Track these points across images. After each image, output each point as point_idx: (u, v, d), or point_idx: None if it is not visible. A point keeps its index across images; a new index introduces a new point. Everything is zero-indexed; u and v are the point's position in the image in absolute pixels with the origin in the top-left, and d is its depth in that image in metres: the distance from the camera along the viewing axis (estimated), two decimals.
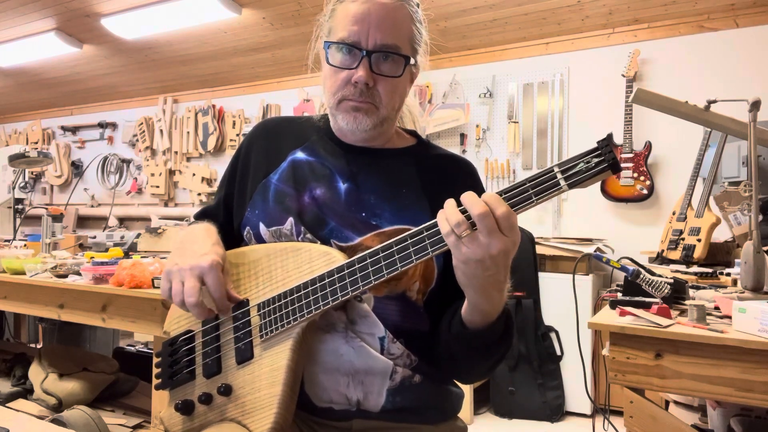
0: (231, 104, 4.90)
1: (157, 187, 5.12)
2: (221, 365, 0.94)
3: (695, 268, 2.25)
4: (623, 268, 1.37)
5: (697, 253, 2.42)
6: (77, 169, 5.75)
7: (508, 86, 3.76)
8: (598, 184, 3.38)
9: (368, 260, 0.83)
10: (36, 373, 2.31)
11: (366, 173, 1.01)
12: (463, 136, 3.88)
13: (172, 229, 2.61)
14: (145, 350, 2.87)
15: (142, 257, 2.08)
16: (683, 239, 2.52)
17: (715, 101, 1.58)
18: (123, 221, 5.26)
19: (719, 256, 2.51)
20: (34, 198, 5.98)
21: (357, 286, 0.84)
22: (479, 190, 0.77)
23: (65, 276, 1.97)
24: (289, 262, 0.93)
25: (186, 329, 1.00)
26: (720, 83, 3.17)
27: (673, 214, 2.69)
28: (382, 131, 1.01)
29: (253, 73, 4.65)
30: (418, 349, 0.96)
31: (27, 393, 2.32)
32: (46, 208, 2.84)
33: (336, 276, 0.86)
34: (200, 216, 1.13)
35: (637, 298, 1.37)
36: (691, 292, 1.43)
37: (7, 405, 2.22)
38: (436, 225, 0.78)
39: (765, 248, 1.39)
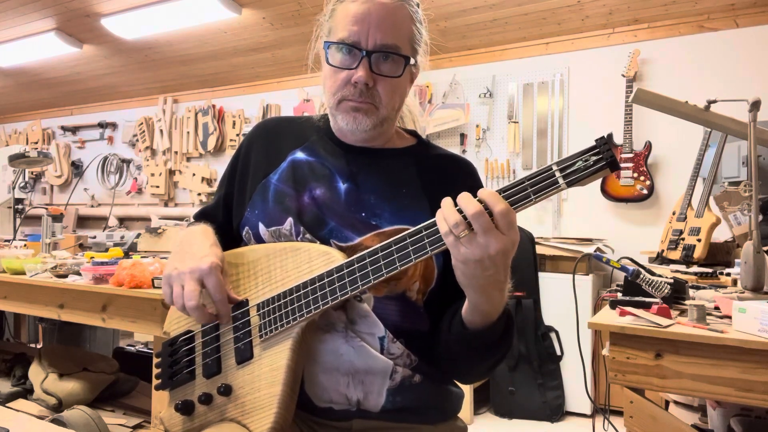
0: (231, 104, 4.90)
1: (157, 187, 5.12)
2: (221, 365, 0.94)
3: (695, 268, 2.25)
4: (623, 268, 1.37)
5: (697, 253, 2.42)
6: (77, 169, 5.75)
7: (508, 86, 3.76)
8: (597, 184, 3.38)
9: (367, 260, 0.83)
10: (36, 373, 2.31)
11: (366, 173, 1.01)
12: (463, 136, 3.88)
13: (172, 229, 2.61)
14: (145, 350, 2.87)
15: (142, 257, 2.08)
16: (683, 239, 2.52)
17: (715, 101, 1.58)
18: (123, 221, 5.26)
19: (719, 256, 2.51)
20: (34, 198, 5.98)
21: (356, 286, 0.84)
22: (480, 189, 0.76)
23: (65, 276, 1.97)
24: (288, 262, 0.93)
25: (186, 329, 1.00)
26: (720, 83, 3.17)
27: (673, 214, 2.69)
28: (382, 131, 1.01)
29: (253, 73, 4.65)
30: (418, 348, 0.96)
31: (27, 393, 2.32)
32: (46, 208, 2.84)
33: (335, 276, 0.86)
34: (199, 216, 1.13)
35: (637, 298, 1.36)
36: (691, 292, 1.43)
37: (7, 405, 2.22)
38: (435, 224, 0.78)
39: (765, 248, 1.39)
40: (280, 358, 0.87)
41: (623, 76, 3.30)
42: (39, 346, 3.03)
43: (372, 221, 0.96)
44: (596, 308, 2.99)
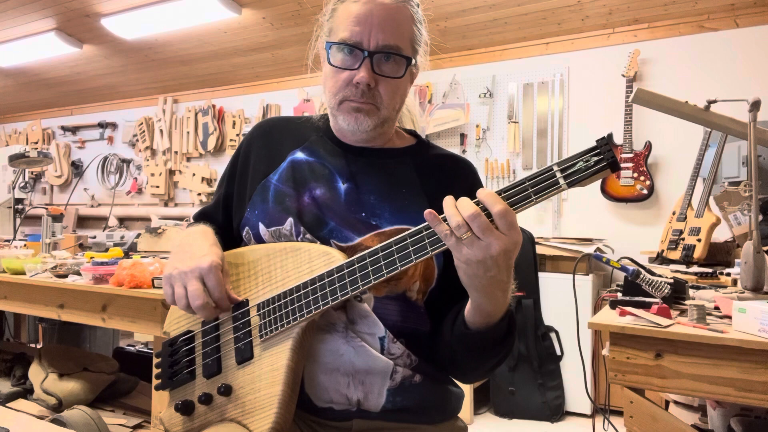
0: (231, 104, 4.90)
1: (157, 187, 5.12)
2: (221, 365, 0.94)
3: (695, 268, 2.25)
4: (623, 268, 1.37)
5: (697, 253, 2.42)
6: (77, 169, 5.75)
7: (508, 86, 3.76)
8: (598, 184, 3.38)
9: (368, 260, 0.83)
10: (36, 373, 2.31)
11: (366, 173, 1.01)
12: (463, 136, 3.88)
13: (172, 229, 2.61)
14: (145, 350, 2.87)
15: (142, 257, 2.08)
16: (683, 239, 2.52)
17: (715, 101, 1.58)
18: (123, 221, 5.26)
19: (719, 256, 2.51)
20: (34, 198, 5.98)
21: (357, 286, 0.84)
22: (479, 189, 0.76)
23: (65, 276, 1.97)
24: (288, 262, 0.93)
25: (186, 330, 1.00)
26: (720, 83, 3.17)
27: (673, 214, 2.69)
28: (383, 131, 1.02)
29: (253, 73, 4.65)
30: (418, 348, 0.96)
31: (27, 393, 2.32)
32: (46, 208, 2.84)
33: (336, 276, 0.86)
34: (199, 217, 1.13)
35: (637, 298, 1.36)
36: (691, 292, 1.43)
37: (7, 405, 2.22)
38: None
39: (765, 248, 1.39)
40: (280, 358, 0.87)
41: (623, 76, 3.30)
42: (39, 346, 3.03)
43: (372, 221, 0.96)
44: (596, 308, 2.99)
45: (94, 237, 2.82)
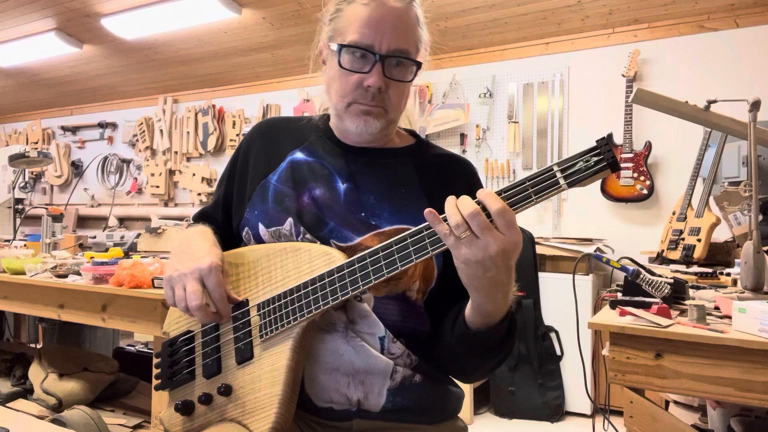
0: (231, 104, 4.90)
1: (157, 187, 5.12)
2: (221, 365, 0.93)
3: (695, 268, 2.25)
4: (623, 268, 1.37)
5: (697, 253, 2.42)
6: (77, 169, 5.75)
7: (508, 86, 3.76)
8: (598, 184, 3.38)
9: (368, 260, 0.83)
10: (36, 373, 2.31)
11: (365, 173, 1.01)
12: (463, 136, 3.88)
13: (172, 229, 2.61)
14: (145, 350, 2.87)
15: (142, 257, 2.08)
16: (683, 239, 2.52)
17: (715, 101, 1.58)
18: (123, 221, 5.26)
19: (719, 256, 2.51)
20: (34, 198, 5.98)
21: (357, 286, 0.84)
22: (479, 190, 0.76)
23: (65, 276, 1.97)
24: (288, 263, 0.93)
25: (186, 330, 1.00)
26: (720, 83, 3.17)
27: (673, 214, 2.69)
28: (387, 133, 1.02)
29: (253, 73, 4.65)
30: (418, 348, 0.96)
31: (27, 393, 2.32)
32: (46, 208, 2.84)
33: (336, 276, 0.86)
34: (198, 217, 1.13)
35: (637, 298, 1.36)
36: (691, 292, 1.43)
37: (7, 405, 2.22)
38: None
39: (765, 248, 1.39)
40: (280, 358, 0.87)
41: (623, 76, 3.30)
42: (39, 346, 3.03)
43: (372, 221, 0.96)
44: (596, 308, 2.99)
45: (94, 237, 2.82)
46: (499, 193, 0.75)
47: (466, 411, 2.94)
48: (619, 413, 1.66)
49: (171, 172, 5.13)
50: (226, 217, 1.10)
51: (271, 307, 0.91)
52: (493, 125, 3.81)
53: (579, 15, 3.35)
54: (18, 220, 3.14)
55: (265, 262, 0.96)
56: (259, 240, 1.00)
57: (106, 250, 2.58)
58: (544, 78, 3.67)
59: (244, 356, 0.91)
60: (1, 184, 3.37)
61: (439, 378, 1.00)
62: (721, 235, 2.65)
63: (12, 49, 4.48)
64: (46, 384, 2.23)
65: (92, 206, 5.51)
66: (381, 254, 0.82)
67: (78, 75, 5.01)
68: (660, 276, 1.41)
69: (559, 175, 0.74)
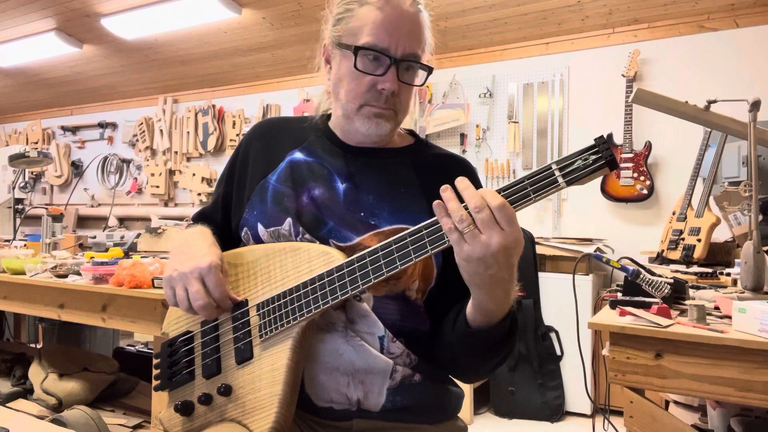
0: (231, 104, 4.90)
1: (157, 187, 5.12)
2: (221, 365, 0.93)
3: (695, 268, 2.25)
4: (623, 268, 1.37)
5: (697, 253, 2.42)
6: (77, 169, 5.75)
7: (508, 86, 3.76)
8: (597, 185, 3.38)
9: (367, 259, 0.83)
10: (36, 373, 2.31)
11: (364, 173, 1.01)
12: (463, 136, 3.88)
13: (172, 229, 2.61)
14: (145, 350, 2.87)
15: (142, 257, 2.08)
16: (683, 239, 2.52)
17: (715, 101, 1.58)
18: (123, 221, 5.26)
19: (719, 256, 2.51)
20: (34, 198, 5.98)
21: (356, 285, 0.84)
22: (478, 189, 0.76)
23: (65, 276, 1.97)
24: (287, 262, 0.93)
25: (185, 330, 1.00)
26: (720, 83, 3.17)
27: (673, 214, 2.69)
28: (392, 135, 1.03)
29: (253, 73, 4.65)
30: (417, 348, 0.96)
31: (27, 393, 2.32)
32: (46, 208, 2.84)
33: (335, 275, 0.86)
34: (197, 218, 1.13)
35: (637, 298, 1.36)
36: (691, 292, 1.43)
37: (7, 405, 2.22)
38: (435, 223, 0.78)
39: (765, 248, 1.39)
40: (280, 358, 0.87)
41: (623, 76, 3.30)
42: (39, 346, 3.04)
43: (371, 221, 0.96)
44: (596, 308, 2.99)
45: (94, 237, 2.82)
46: (498, 192, 0.75)
47: (466, 411, 2.94)
48: (619, 413, 1.66)
49: (171, 172, 5.13)
50: (226, 217, 1.09)
51: (271, 307, 0.91)
52: (493, 125, 3.81)
53: (579, 15, 3.35)
54: (18, 220, 3.14)
55: (264, 262, 0.96)
56: (258, 240, 0.99)
57: (106, 250, 2.58)
58: (544, 78, 3.67)
59: (244, 356, 0.91)
60: (1, 184, 3.38)
61: (439, 377, 1.00)
62: (721, 235, 2.65)
63: (12, 49, 4.48)
64: (46, 384, 2.23)
65: (92, 206, 5.51)
66: (380, 253, 0.82)
67: (78, 75, 5.01)
68: (660, 276, 1.41)
69: (557, 173, 0.74)
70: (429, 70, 0.98)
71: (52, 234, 2.54)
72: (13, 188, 3.14)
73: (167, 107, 5.19)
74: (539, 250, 3.16)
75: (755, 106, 1.41)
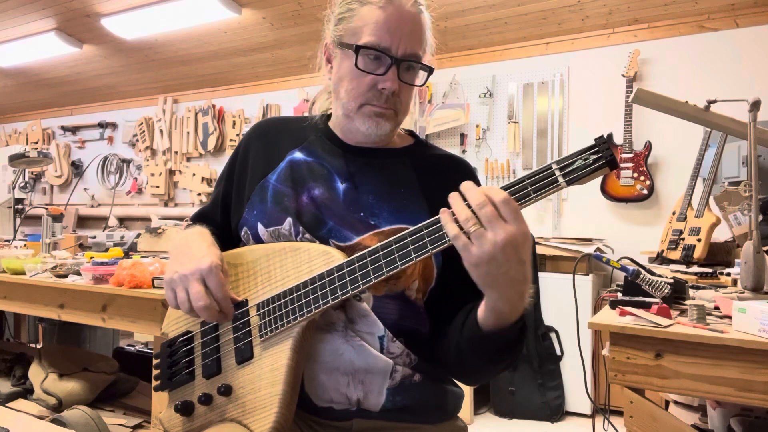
0: (231, 104, 4.90)
1: (157, 187, 5.12)
2: (221, 365, 0.93)
3: (695, 268, 2.25)
4: (623, 268, 1.37)
5: (697, 253, 2.42)
6: (77, 169, 5.75)
7: (508, 86, 3.76)
8: (597, 184, 3.38)
9: (368, 259, 0.83)
10: (36, 373, 2.31)
11: (364, 173, 1.01)
12: (463, 136, 3.88)
13: (172, 229, 2.61)
14: (145, 350, 2.87)
15: (142, 257, 2.08)
16: (683, 239, 2.52)
17: (715, 101, 1.58)
18: (123, 221, 5.26)
19: (719, 256, 2.51)
20: (34, 198, 5.98)
21: (357, 285, 0.84)
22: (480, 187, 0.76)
23: (65, 276, 1.97)
24: (287, 262, 0.93)
25: (185, 330, 1.00)
26: (720, 83, 3.17)
27: (673, 214, 2.69)
28: (392, 135, 1.02)
29: (253, 73, 4.65)
30: (417, 348, 0.96)
31: (27, 393, 2.32)
32: (46, 208, 2.84)
33: (336, 275, 0.86)
34: (197, 218, 1.13)
35: (637, 298, 1.36)
36: (691, 292, 1.43)
37: (7, 405, 2.22)
38: (435, 223, 0.78)
39: (765, 248, 1.39)
40: (280, 358, 0.87)
41: (623, 76, 3.30)
42: (39, 346, 3.04)
43: (370, 221, 0.96)
44: (596, 308, 2.99)
45: (94, 237, 2.82)
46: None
47: (466, 411, 2.94)
48: (619, 413, 1.66)
49: (171, 172, 5.13)
50: (225, 217, 1.09)
51: (271, 306, 0.91)
52: (493, 125, 3.81)
53: (579, 15, 3.35)
54: (18, 220, 3.14)
55: (265, 261, 0.96)
56: (258, 240, 0.99)
57: (106, 250, 2.58)
58: (544, 78, 3.67)
59: (244, 356, 0.91)
60: (1, 184, 3.38)
61: (439, 377, 1.00)
62: (721, 235, 2.65)
63: (12, 49, 4.48)
64: (46, 384, 2.23)
65: (92, 206, 5.51)
66: (381, 253, 0.82)
67: (78, 75, 5.01)
68: (660, 276, 1.41)
69: (558, 173, 0.74)
70: (429, 70, 0.99)
71: (52, 234, 2.54)
72: (13, 188, 3.14)
73: (167, 107, 5.19)
74: (539, 250, 3.16)
75: (755, 106, 1.41)
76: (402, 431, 0.95)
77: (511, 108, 3.75)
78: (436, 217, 0.78)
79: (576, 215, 3.56)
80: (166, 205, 5.15)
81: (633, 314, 1.24)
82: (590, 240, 3.22)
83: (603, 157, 0.73)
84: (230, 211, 1.08)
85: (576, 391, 3.05)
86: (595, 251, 3.02)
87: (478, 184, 1.03)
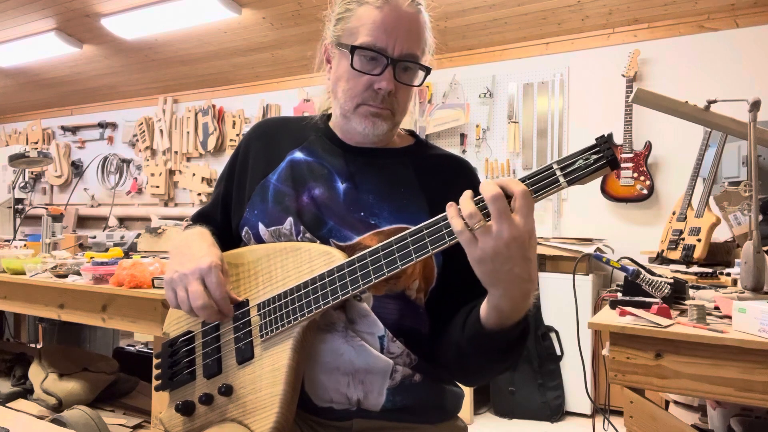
0: (231, 104, 4.90)
1: (157, 187, 5.12)
2: (221, 365, 0.93)
3: (695, 268, 2.25)
4: (623, 268, 1.37)
5: (697, 253, 2.42)
6: (77, 169, 5.75)
7: (508, 86, 3.76)
8: (598, 184, 3.38)
9: (368, 259, 0.83)
10: (36, 373, 2.31)
11: (364, 173, 1.01)
12: (463, 136, 3.88)
13: (172, 229, 2.61)
14: (145, 350, 2.87)
15: (142, 257, 2.08)
16: (683, 239, 2.52)
17: (715, 101, 1.58)
18: (123, 221, 5.26)
19: (719, 256, 2.51)
20: (34, 198, 5.98)
21: (357, 285, 0.84)
22: (477, 190, 0.76)
23: (65, 276, 1.97)
24: (288, 262, 0.93)
25: (186, 330, 1.00)
26: (720, 83, 3.17)
27: (673, 214, 2.69)
28: (391, 135, 1.02)
29: (253, 73, 4.65)
30: (417, 348, 0.96)
31: (27, 393, 2.32)
32: (46, 208, 2.84)
33: (336, 275, 0.86)
34: (197, 218, 1.13)
35: (637, 298, 1.36)
36: (691, 292, 1.43)
37: (7, 405, 2.22)
38: (435, 223, 0.78)
39: (765, 248, 1.39)
40: (281, 358, 0.87)
41: (623, 76, 3.30)
42: (39, 346, 3.04)
43: (371, 221, 0.96)
44: (596, 308, 2.99)
45: (94, 237, 2.82)
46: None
47: (466, 411, 2.94)
48: (619, 413, 1.66)
49: (171, 172, 5.13)
50: (225, 217, 1.10)
51: (272, 306, 0.91)
52: (493, 125, 3.81)
53: (579, 15, 3.35)
54: (18, 220, 3.14)
55: (265, 261, 0.96)
56: (258, 240, 1.00)
57: (106, 250, 2.58)
58: (544, 78, 3.67)
59: (245, 356, 0.91)
60: (1, 184, 3.38)
61: (439, 377, 1.00)
62: (721, 235, 2.65)
63: (12, 49, 4.48)
64: (46, 384, 2.23)
65: (92, 206, 5.51)
66: (381, 253, 0.82)
67: (78, 75, 5.01)
68: (660, 276, 1.41)
69: (558, 173, 0.74)
70: (427, 70, 0.98)
71: (52, 234, 2.54)
72: (13, 188, 3.14)
73: (167, 107, 5.19)
74: (539, 250, 3.16)
75: (755, 106, 1.41)
76: (402, 431, 0.95)
77: (511, 108, 3.75)
78: (437, 217, 0.78)
79: (576, 215, 3.56)
80: (166, 205, 5.15)
81: (633, 314, 1.24)
82: (590, 240, 3.22)
83: (604, 156, 0.72)
84: (231, 211, 1.09)
85: (576, 391, 3.05)
86: (595, 251, 3.02)
87: (479, 183, 1.03)
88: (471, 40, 3.76)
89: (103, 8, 3.77)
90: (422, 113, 3.93)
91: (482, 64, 3.87)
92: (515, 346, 0.84)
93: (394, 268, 0.81)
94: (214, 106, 4.92)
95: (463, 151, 3.85)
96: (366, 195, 0.99)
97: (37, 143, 6.02)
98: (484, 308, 0.82)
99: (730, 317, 1.20)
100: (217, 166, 4.91)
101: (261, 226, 0.99)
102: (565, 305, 3.03)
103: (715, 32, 3.22)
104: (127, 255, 2.34)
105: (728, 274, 2.02)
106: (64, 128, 5.85)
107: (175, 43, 4.21)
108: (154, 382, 1.02)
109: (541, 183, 0.74)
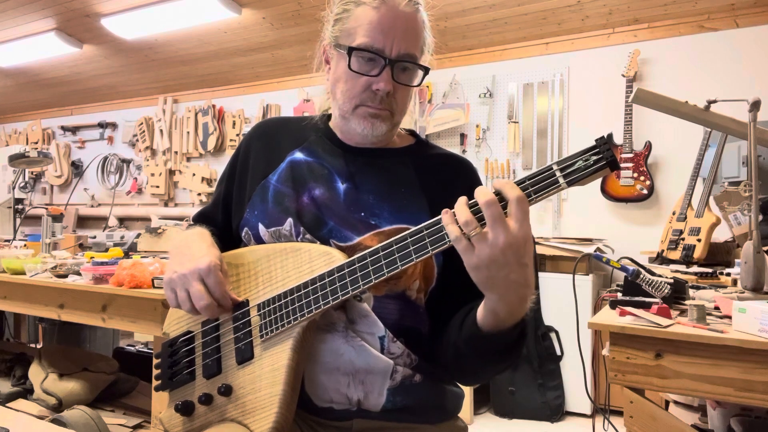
0: (231, 104, 4.90)
1: (157, 187, 5.12)
2: (221, 365, 0.93)
3: (695, 268, 2.25)
4: (623, 268, 1.37)
5: (697, 253, 2.42)
6: (77, 169, 5.75)
7: (508, 86, 3.76)
8: (598, 185, 3.38)
9: (368, 259, 0.83)
10: (36, 373, 2.31)
11: (364, 173, 1.01)
12: (463, 136, 3.88)
13: (172, 229, 2.61)
14: (145, 350, 2.87)
15: (142, 257, 2.08)
16: (683, 239, 2.52)
17: (715, 101, 1.58)
18: (123, 221, 5.26)
19: (719, 256, 2.51)
20: (34, 198, 5.98)
21: (357, 285, 0.84)
22: (495, 180, 0.75)
23: (65, 276, 1.97)
24: (288, 263, 0.93)
25: (186, 330, 1.00)
26: (720, 83, 3.17)
27: (673, 214, 2.69)
28: (391, 135, 1.02)
29: (253, 73, 4.65)
30: (418, 348, 0.96)
31: (27, 393, 2.32)
32: (46, 208, 2.84)
33: (336, 275, 0.86)
34: (198, 218, 1.13)
35: (637, 298, 1.36)
36: (691, 292, 1.43)
37: (7, 405, 2.22)
38: (436, 223, 0.78)
39: (765, 248, 1.39)
40: (281, 358, 0.87)
41: (623, 76, 3.30)
42: (39, 346, 3.04)
43: (371, 221, 0.96)
44: (596, 308, 2.99)
45: (94, 237, 2.82)
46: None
47: (466, 411, 2.94)
48: (619, 413, 1.66)
49: (171, 172, 5.13)
50: (226, 217, 1.10)
51: (272, 307, 0.91)
52: (493, 125, 3.81)
53: (579, 15, 3.35)
54: (18, 220, 3.14)
55: (265, 262, 0.96)
56: (259, 240, 1.00)
57: (106, 250, 2.58)
58: (544, 78, 3.67)
59: (245, 356, 0.91)
60: (1, 184, 3.38)
61: (439, 378, 1.00)
62: (721, 235, 2.65)
63: (12, 49, 4.47)
64: (46, 384, 2.23)
65: (92, 206, 5.51)
66: (381, 254, 0.82)
67: (78, 75, 5.01)
68: (660, 276, 1.41)
69: (558, 174, 0.74)
70: (426, 70, 0.98)
71: (52, 234, 2.54)
72: (13, 188, 3.14)
73: (167, 107, 5.19)
74: (539, 250, 3.16)
75: (755, 106, 1.41)
76: (402, 431, 0.95)
77: (511, 108, 3.75)
78: (437, 217, 0.78)
79: (576, 215, 3.56)
80: (166, 205, 5.15)
81: (633, 314, 1.24)
82: (590, 240, 3.22)
83: (604, 157, 0.72)
84: (231, 211, 1.09)
85: (576, 391, 3.05)
86: (595, 251, 3.02)
87: (479, 183, 1.03)
88: (471, 40, 3.76)
89: (103, 8, 3.77)
90: (422, 113, 3.93)
91: (482, 64, 3.87)
92: (513, 348, 0.84)
93: (394, 269, 0.81)
94: (214, 106, 4.92)
95: (463, 151, 3.85)
96: (366, 195, 0.98)
97: (37, 143, 6.02)
98: (480, 311, 0.82)
99: (730, 317, 1.20)
100: (217, 166, 4.91)
101: (261, 227, 0.99)
102: (565, 305, 3.03)
103: (715, 32, 3.22)
104: (127, 255, 2.34)
105: (728, 274, 2.02)
106: (64, 128, 5.85)
107: (175, 43, 4.21)
108: (154, 382, 1.02)
109: (541, 184, 0.74)
